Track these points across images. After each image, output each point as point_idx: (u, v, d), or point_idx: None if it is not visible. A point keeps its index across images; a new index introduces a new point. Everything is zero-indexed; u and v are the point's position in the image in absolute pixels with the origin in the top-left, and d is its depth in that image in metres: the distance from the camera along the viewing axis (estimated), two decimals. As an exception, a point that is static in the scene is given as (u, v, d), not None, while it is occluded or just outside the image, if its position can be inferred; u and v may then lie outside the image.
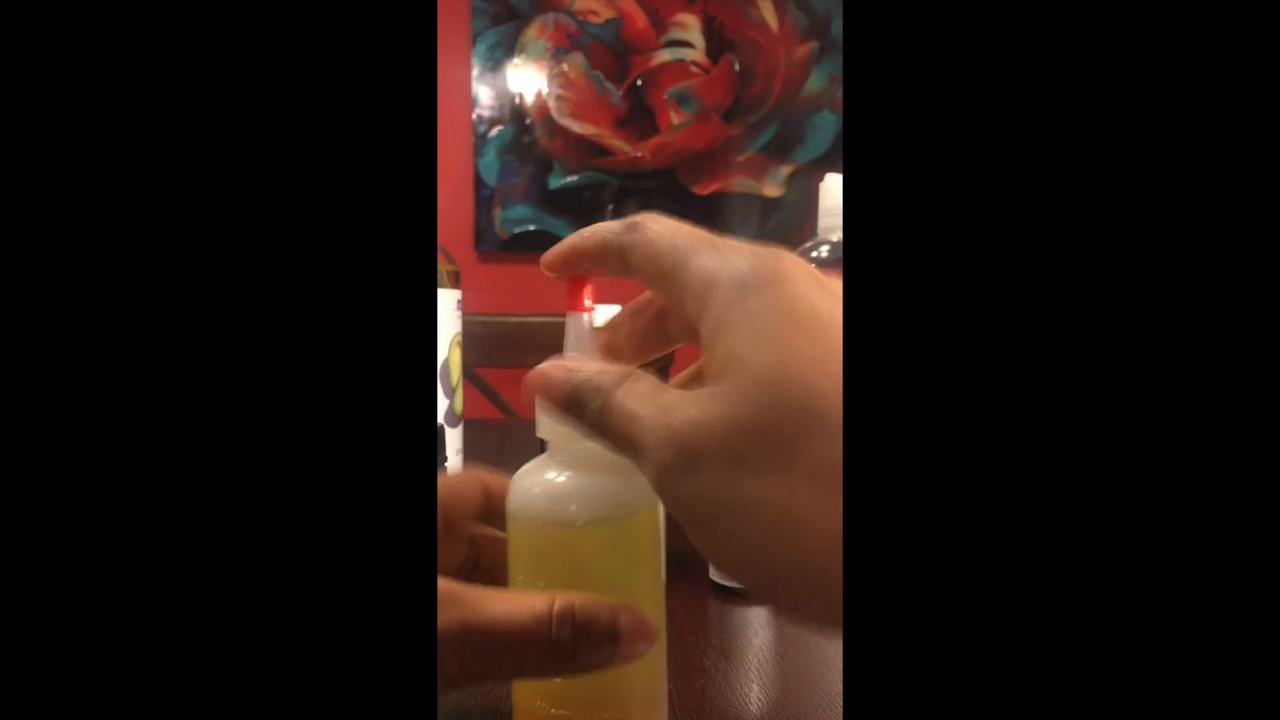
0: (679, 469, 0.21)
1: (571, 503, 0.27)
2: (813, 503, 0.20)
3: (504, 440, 1.02)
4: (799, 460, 0.20)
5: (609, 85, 2.02)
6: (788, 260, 0.23)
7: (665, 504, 0.22)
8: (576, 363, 0.25)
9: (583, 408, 0.24)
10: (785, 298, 0.22)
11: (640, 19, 2.01)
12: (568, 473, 0.27)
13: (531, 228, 2.04)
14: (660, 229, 0.25)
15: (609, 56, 2.01)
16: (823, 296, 0.22)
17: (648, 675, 0.29)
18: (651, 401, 0.23)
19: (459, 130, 2.02)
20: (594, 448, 0.28)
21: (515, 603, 0.24)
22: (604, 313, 0.52)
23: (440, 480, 0.31)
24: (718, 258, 0.23)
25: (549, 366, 0.26)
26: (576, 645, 0.24)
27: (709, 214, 2.03)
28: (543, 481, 0.27)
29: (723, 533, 0.21)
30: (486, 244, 2.04)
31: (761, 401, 0.21)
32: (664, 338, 0.29)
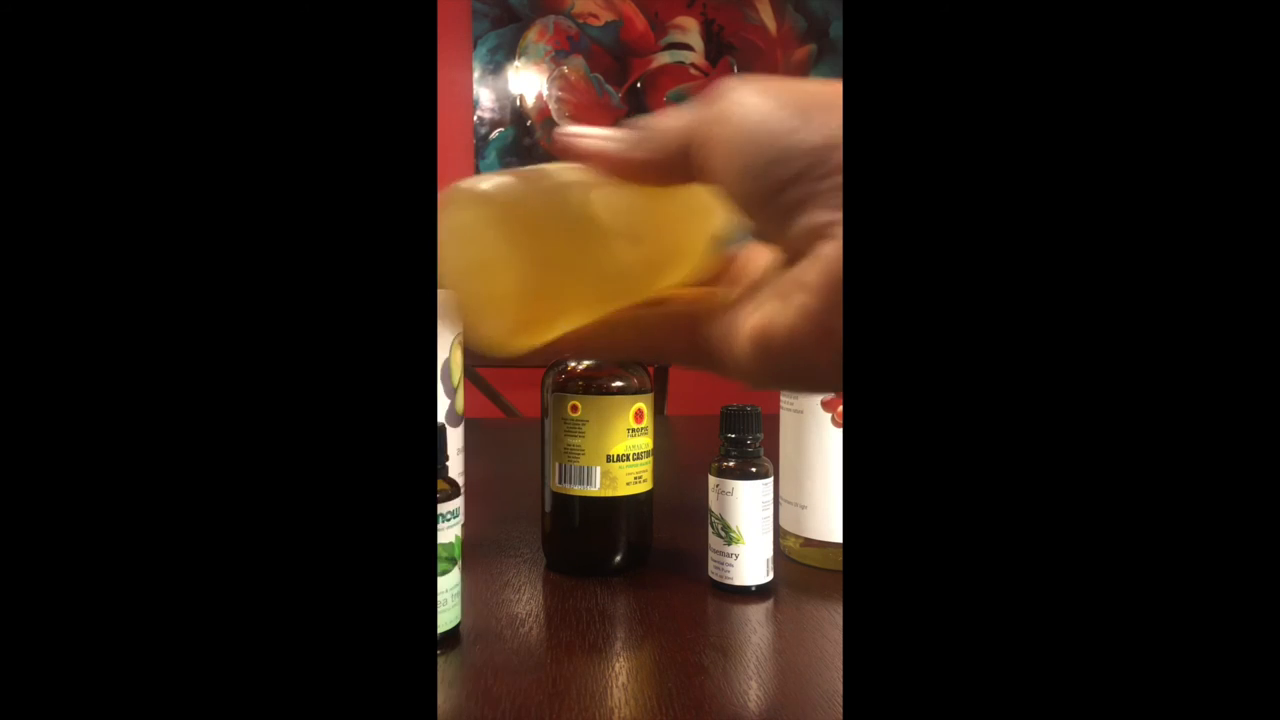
0: None
1: None
2: None
3: (504, 440, 1.02)
4: None
5: (609, 87, 2.02)
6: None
7: None
8: None
9: None
10: None
11: (640, 22, 2.01)
12: None
13: (531, 229, 2.04)
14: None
15: (609, 59, 2.02)
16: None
17: None
18: None
19: (460, 132, 2.03)
20: None
21: None
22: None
23: None
24: None
25: None
26: None
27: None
28: None
29: None
30: (486, 245, 2.04)
31: None
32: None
